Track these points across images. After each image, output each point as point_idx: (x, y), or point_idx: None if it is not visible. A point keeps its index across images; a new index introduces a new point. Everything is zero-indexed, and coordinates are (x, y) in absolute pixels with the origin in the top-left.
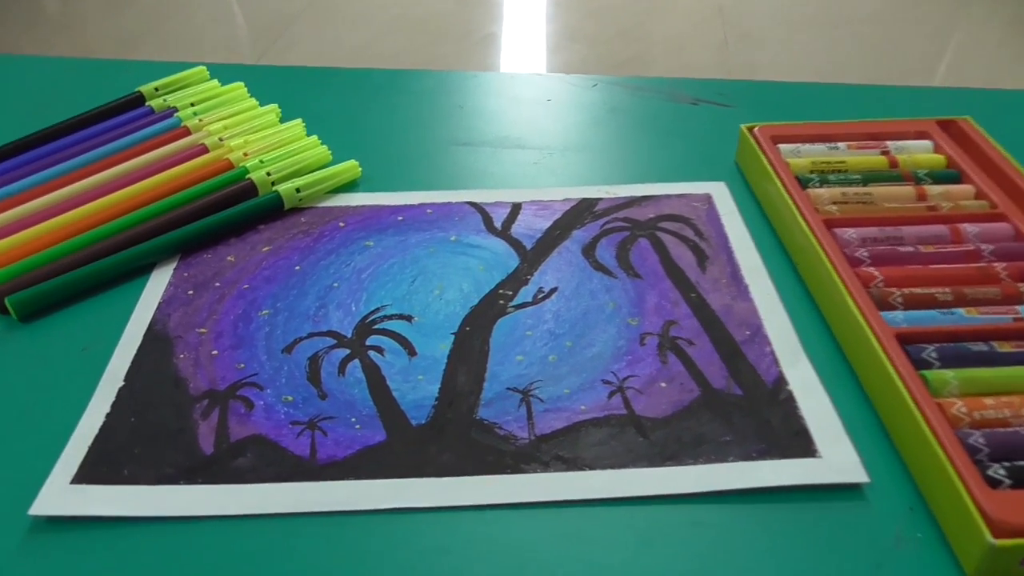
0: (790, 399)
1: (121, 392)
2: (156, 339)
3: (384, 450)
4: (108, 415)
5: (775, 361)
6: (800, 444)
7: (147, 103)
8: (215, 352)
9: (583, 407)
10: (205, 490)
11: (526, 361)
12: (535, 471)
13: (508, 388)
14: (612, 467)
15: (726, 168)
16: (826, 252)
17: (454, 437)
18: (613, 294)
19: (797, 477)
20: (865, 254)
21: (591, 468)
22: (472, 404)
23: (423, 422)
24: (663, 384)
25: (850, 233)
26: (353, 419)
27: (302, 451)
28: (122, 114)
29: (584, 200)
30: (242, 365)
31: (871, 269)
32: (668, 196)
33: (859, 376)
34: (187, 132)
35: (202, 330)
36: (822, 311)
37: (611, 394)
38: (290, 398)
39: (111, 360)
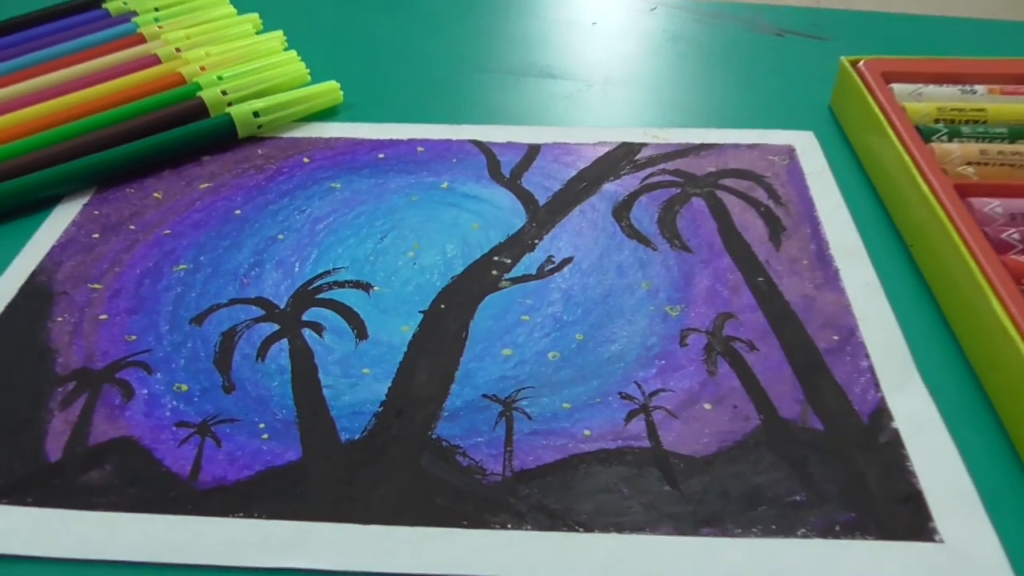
0: (896, 443)
1: None
2: (34, 293)
3: (294, 475)
4: None
5: (874, 383)
6: (910, 517)
7: (104, 5)
8: (103, 316)
9: (587, 432)
10: (30, 516)
11: (515, 357)
12: (504, 526)
13: (484, 395)
14: (620, 529)
15: (817, 114)
16: (958, 230)
17: (396, 463)
18: (649, 271)
19: (905, 571)
20: (1016, 236)
21: (587, 529)
22: (429, 415)
23: (356, 437)
24: (707, 406)
25: (993, 206)
26: (261, 425)
27: (181, 467)
28: (74, 15)
29: (623, 145)
30: (133, 337)
31: None
32: (736, 145)
33: (1000, 413)
34: (142, 40)
35: (96, 285)
36: (946, 314)
37: (631, 415)
38: (184, 387)
39: None
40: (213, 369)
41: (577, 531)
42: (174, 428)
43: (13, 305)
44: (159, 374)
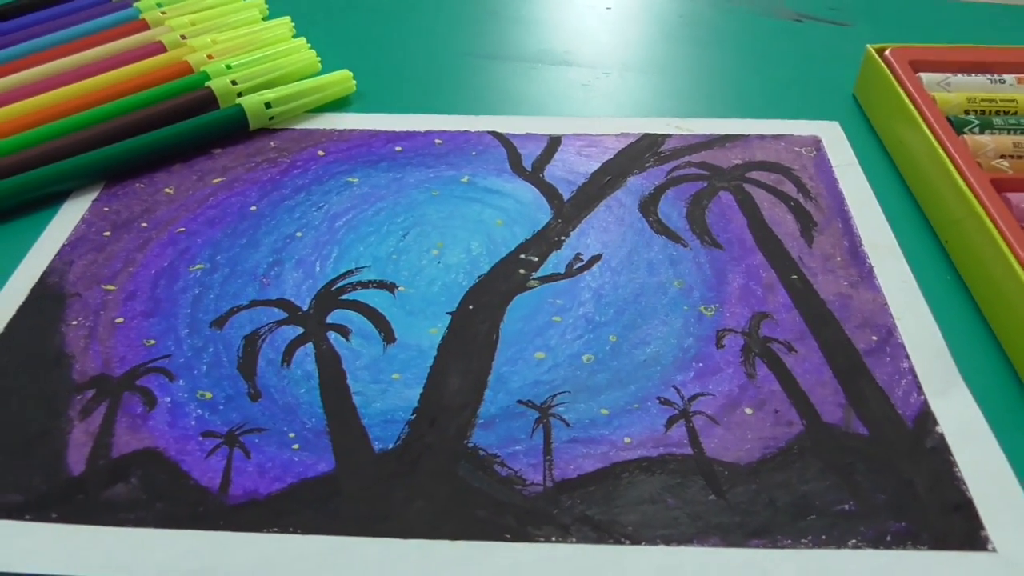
0: (942, 449)
1: None
2: (46, 295)
3: (327, 487)
4: None
5: (917, 385)
6: (961, 526)
7: None
8: (120, 319)
9: (627, 439)
10: (57, 532)
11: (549, 361)
12: (548, 539)
13: (519, 401)
14: (667, 541)
15: (840, 103)
16: (996, 227)
17: (432, 474)
18: (680, 268)
19: None
20: None
21: (634, 540)
22: (464, 423)
23: (390, 447)
24: (748, 410)
25: None
26: (291, 435)
27: (210, 480)
28: (73, 0)
29: (646, 137)
30: (152, 341)
31: None
32: (761, 137)
33: None
34: (145, 26)
35: (109, 287)
36: (985, 313)
37: (671, 421)
38: (208, 395)
39: None
40: (237, 375)
41: (624, 543)
42: (200, 438)
43: (25, 307)
44: (181, 381)
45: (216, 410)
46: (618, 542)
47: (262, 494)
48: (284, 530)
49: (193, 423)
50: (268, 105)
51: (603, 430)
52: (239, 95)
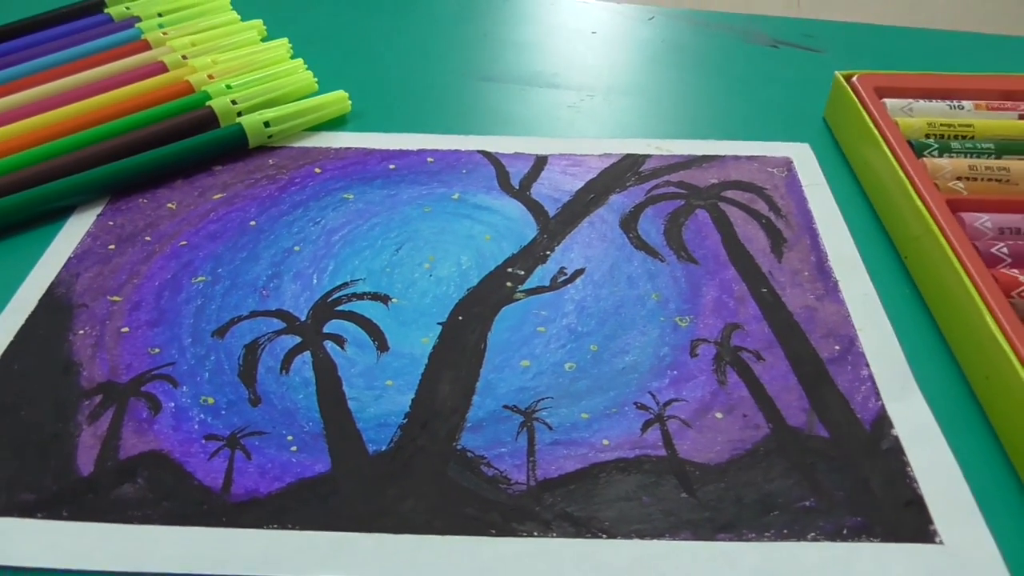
0: (896, 449)
1: None
2: (54, 306)
3: (325, 486)
4: None
5: (875, 391)
6: (912, 520)
7: (106, 10)
8: (125, 329)
9: (606, 441)
10: (68, 529)
11: (534, 368)
12: (531, 534)
13: (505, 406)
14: (641, 536)
15: (811, 125)
16: (950, 244)
17: (424, 474)
18: (658, 282)
19: (908, 572)
20: (1004, 250)
21: (610, 535)
22: (454, 426)
23: (383, 448)
24: (719, 415)
25: (983, 220)
26: (290, 437)
27: (213, 480)
28: (76, 20)
29: (628, 157)
30: (157, 350)
31: (1013, 271)
32: (736, 158)
33: (993, 422)
34: (147, 47)
35: (115, 298)
36: (940, 324)
37: (647, 424)
38: (211, 400)
39: None
40: (238, 382)
41: (601, 537)
42: (203, 441)
43: (34, 318)
44: (185, 387)
45: (218, 414)
46: (595, 536)
47: (263, 493)
48: (284, 526)
49: (196, 427)
50: (267, 124)
51: (583, 433)
52: (239, 114)
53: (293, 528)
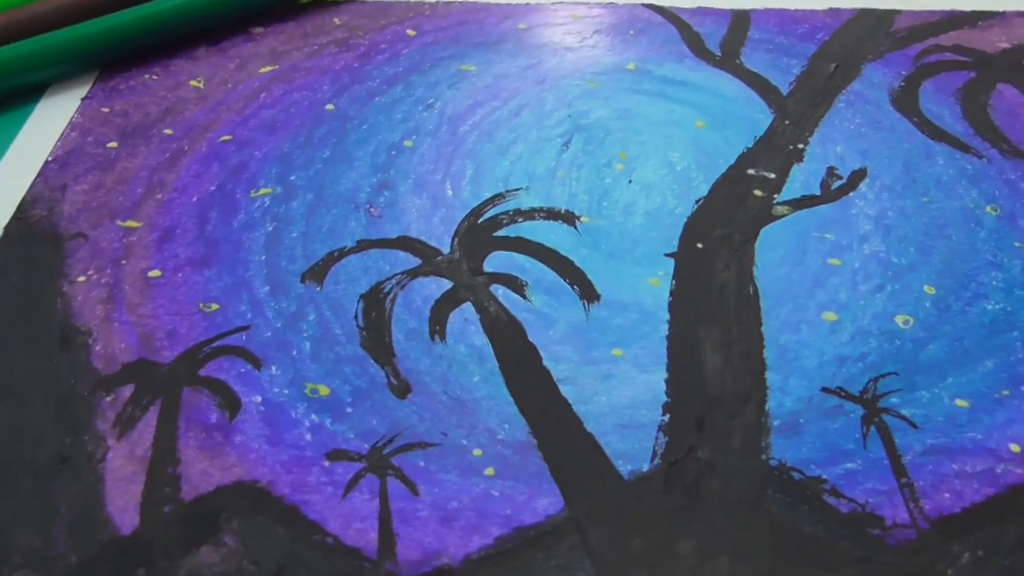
0: None
1: None
2: (31, 237)
3: (559, 539)
4: None
5: None
6: None
7: None
8: (155, 272)
9: (1014, 446)
10: None
11: (847, 325)
12: None
13: (825, 389)
14: None
15: None
16: None
17: (727, 512)
18: (986, 188)
19: None
20: None
21: None
22: (751, 425)
23: (644, 468)
24: None
25: None
26: (476, 451)
27: (358, 534)
28: None
29: (866, 12)
30: (214, 306)
31: None
32: (1022, 14)
33: None
34: None
35: (131, 223)
36: None
37: None
38: (323, 389)
39: None
40: (364, 356)
41: None
42: (326, 463)
43: (0, 257)
44: (274, 367)
45: (342, 414)
46: None
47: (456, 557)
48: None
49: (308, 437)
50: None
51: (970, 432)
52: None
53: None
